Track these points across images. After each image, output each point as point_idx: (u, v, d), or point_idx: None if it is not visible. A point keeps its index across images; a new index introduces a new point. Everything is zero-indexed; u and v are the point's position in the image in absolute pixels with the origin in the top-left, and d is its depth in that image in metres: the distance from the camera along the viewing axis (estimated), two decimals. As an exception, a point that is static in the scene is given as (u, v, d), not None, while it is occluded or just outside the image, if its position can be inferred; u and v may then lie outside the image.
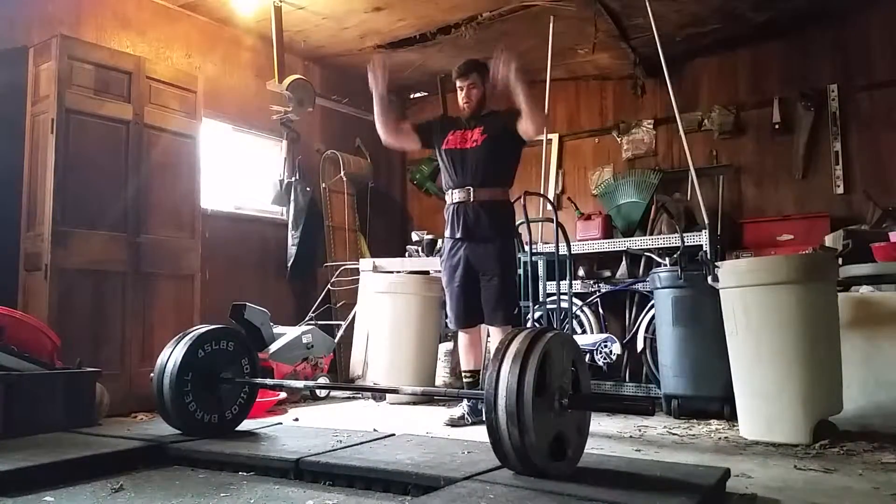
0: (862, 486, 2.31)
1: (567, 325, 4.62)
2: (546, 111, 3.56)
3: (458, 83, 3.55)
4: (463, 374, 3.69)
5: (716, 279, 3.35)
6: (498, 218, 3.49)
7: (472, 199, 3.46)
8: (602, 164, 6.11)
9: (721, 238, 5.06)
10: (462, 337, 3.68)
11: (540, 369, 1.99)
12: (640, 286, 4.88)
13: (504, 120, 3.48)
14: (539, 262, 4.41)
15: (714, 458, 2.77)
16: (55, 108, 3.79)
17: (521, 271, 4.38)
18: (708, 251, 4.25)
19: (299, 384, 3.60)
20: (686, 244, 4.28)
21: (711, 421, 3.68)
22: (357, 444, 2.56)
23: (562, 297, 4.33)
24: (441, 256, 3.64)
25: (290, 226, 5.63)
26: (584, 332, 5.00)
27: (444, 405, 4.16)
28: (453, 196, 3.53)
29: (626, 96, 6.02)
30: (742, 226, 5.31)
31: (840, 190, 5.10)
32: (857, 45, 5.17)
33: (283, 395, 4.16)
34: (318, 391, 4.77)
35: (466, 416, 3.43)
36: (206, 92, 4.71)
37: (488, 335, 4.03)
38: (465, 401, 3.46)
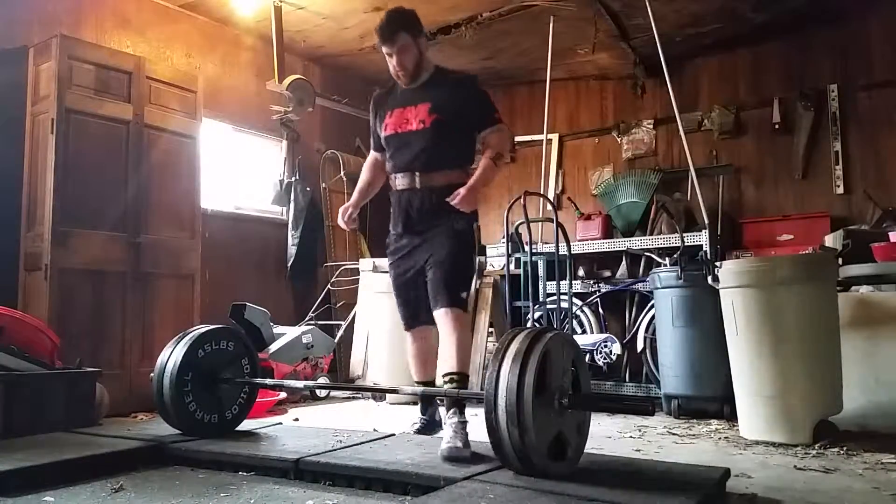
0: (862, 487, 2.31)
1: (567, 325, 4.62)
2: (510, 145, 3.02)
3: (384, 49, 2.79)
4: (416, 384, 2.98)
5: (716, 279, 3.35)
6: (450, 209, 2.70)
7: (418, 186, 2.75)
8: (602, 164, 6.11)
9: (721, 238, 5.06)
10: (411, 339, 2.93)
11: (540, 369, 1.99)
12: (640, 286, 4.88)
13: (458, 94, 2.78)
14: (539, 262, 4.41)
15: (714, 457, 2.76)
16: (55, 108, 3.79)
17: (520, 271, 4.40)
18: (708, 251, 4.26)
19: (299, 384, 3.60)
20: (686, 244, 4.28)
21: (711, 421, 3.68)
22: (357, 444, 2.55)
23: (562, 297, 4.33)
24: (388, 250, 2.95)
25: (290, 226, 5.63)
26: (584, 332, 5.00)
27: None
28: (396, 181, 2.84)
29: (627, 96, 6.02)
30: (742, 226, 5.32)
31: (840, 190, 5.10)
32: (857, 45, 5.17)
33: (283, 395, 4.16)
34: (318, 391, 4.77)
35: (420, 428, 2.88)
36: (207, 92, 4.71)
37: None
38: (420, 415, 2.94)
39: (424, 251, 2.76)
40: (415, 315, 2.87)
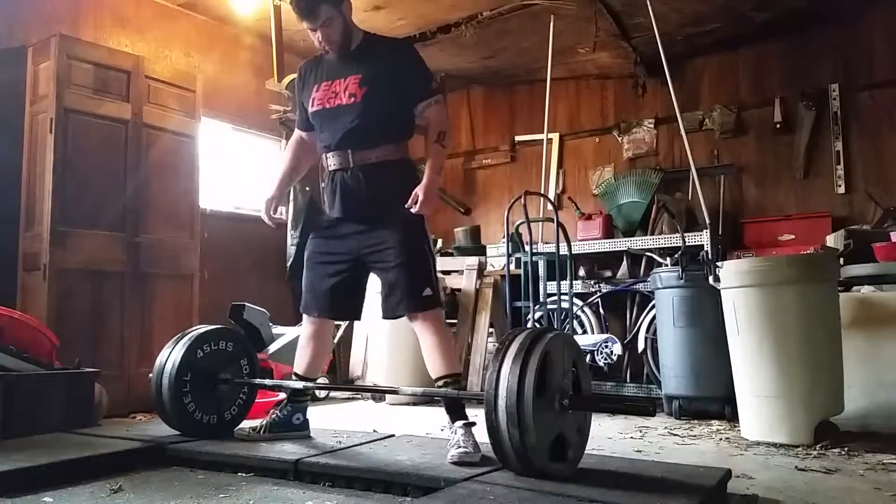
0: (863, 487, 2.31)
1: (568, 326, 4.61)
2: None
3: (305, 26, 2.56)
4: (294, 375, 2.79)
5: (717, 279, 3.34)
6: (392, 186, 2.53)
7: (351, 164, 2.56)
8: (603, 163, 6.10)
9: (722, 238, 5.05)
10: (308, 327, 2.74)
11: (540, 370, 1.98)
12: (640, 286, 4.86)
13: (391, 62, 2.56)
14: (539, 262, 4.40)
15: (715, 458, 2.75)
16: (54, 108, 3.78)
17: (521, 271, 4.39)
18: (709, 251, 4.24)
19: (298, 385, 3.58)
20: (687, 244, 4.28)
21: (713, 421, 3.67)
22: (357, 445, 2.55)
23: (562, 297, 4.32)
24: (314, 228, 2.76)
25: (289, 226, 5.62)
26: (584, 332, 4.99)
27: (444, 406, 4.15)
28: (328, 161, 2.64)
29: (627, 95, 6.01)
30: (743, 225, 5.31)
31: (841, 190, 5.09)
32: (859, 44, 5.16)
33: (282, 395, 4.14)
34: (317, 392, 4.75)
35: (265, 428, 2.71)
36: (205, 91, 4.69)
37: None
38: (276, 409, 2.79)
39: (367, 242, 2.55)
40: (323, 304, 2.66)
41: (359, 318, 2.97)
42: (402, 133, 2.62)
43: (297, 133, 2.84)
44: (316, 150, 2.77)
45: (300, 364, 2.77)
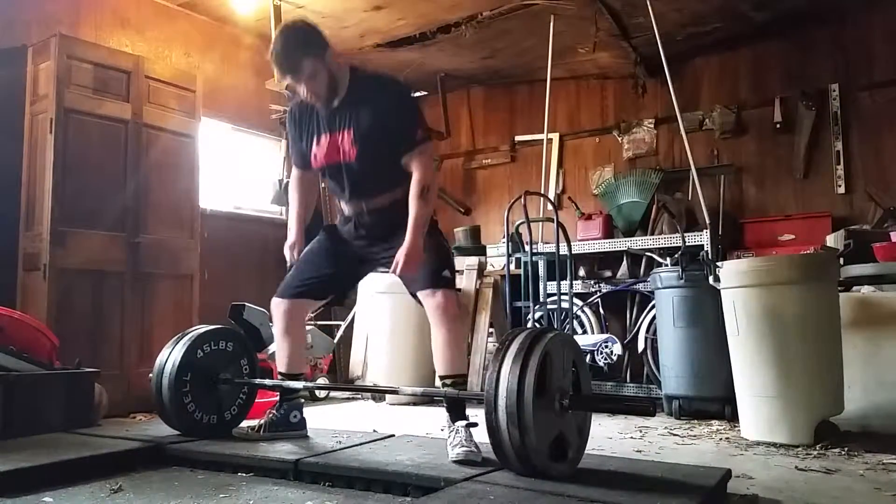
0: (863, 487, 2.31)
1: (568, 326, 4.61)
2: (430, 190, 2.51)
3: (287, 81, 2.53)
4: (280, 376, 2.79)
5: (717, 279, 3.34)
6: (404, 218, 2.50)
7: (365, 210, 2.61)
8: (603, 163, 6.10)
9: (722, 238, 5.05)
10: (278, 322, 2.72)
11: (540, 370, 1.98)
12: (640, 286, 4.86)
13: (379, 111, 2.49)
14: (539, 262, 4.40)
15: (715, 458, 2.75)
16: (54, 108, 3.78)
17: (521, 271, 4.39)
18: (709, 251, 4.24)
19: (298, 385, 3.58)
20: (687, 244, 4.28)
21: (713, 421, 3.67)
22: (356, 445, 2.54)
23: (562, 297, 4.32)
24: (327, 229, 2.80)
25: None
26: (584, 332, 4.99)
27: (444, 406, 4.15)
28: (341, 205, 2.72)
29: (627, 95, 6.01)
30: (743, 226, 5.30)
31: (841, 190, 5.09)
32: (859, 44, 5.16)
33: (282, 395, 4.15)
34: (317, 392, 4.75)
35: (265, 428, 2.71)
36: (205, 91, 4.69)
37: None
38: (271, 411, 2.77)
39: (379, 247, 2.60)
40: (297, 285, 2.69)
41: (327, 300, 2.89)
42: (405, 176, 2.54)
43: (297, 172, 2.80)
44: (317, 183, 2.80)
45: (281, 362, 2.78)
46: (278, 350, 2.78)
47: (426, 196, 2.47)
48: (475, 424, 2.37)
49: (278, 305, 2.74)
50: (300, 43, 2.43)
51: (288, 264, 2.79)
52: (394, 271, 2.45)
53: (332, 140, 2.55)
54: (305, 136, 2.64)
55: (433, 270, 2.48)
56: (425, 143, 2.52)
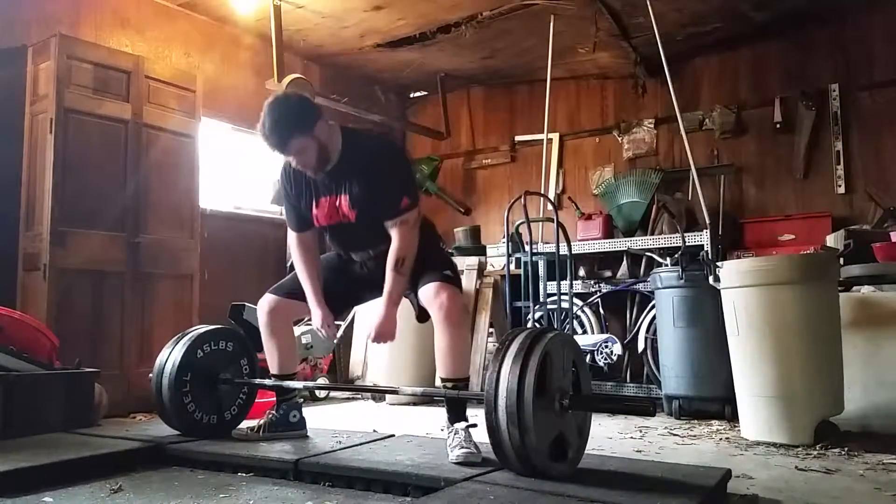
0: (863, 487, 2.31)
1: (568, 326, 4.61)
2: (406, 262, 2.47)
3: (280, 154, 2.49)
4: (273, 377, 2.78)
5: (717, 279, 3.34)
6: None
7: (371, 257, 2.60)
8: (603, 163, 6.10)
9: (722, 238, 5.05)
10: (265, 327, 2.71)
11: (540, 370, 1.98)
12: (640, 286, 4.86)
13: (370, 177, 2.47)
14: (539, 262, 4.40)
15: (715, 458, 2.75)
16: (54, 108, 3.78)
17: (521, 271, 4.39)
18: (709, 251, 4.25)
19: (298, 385, 3.58)
20: (687, 244, 4.28)
21: (713, 421, 3.67)
22: (356, 445, 2.54)
23: (562, 297, 4.32)
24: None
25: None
26: (584, 332, 4.99)
27: (444, 406, 4.15)
28: (349, 255, 2.70)
29: (627, 95, 6.01)
30: (743, 225, 5.30)
31: (841, 189, 5.09)
32: (859, 44, 5.16)
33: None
34: (317, 392, 4.75)
35: (265, 428, 2.71)
36: (205, 91, 4.69)
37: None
38: (270, 411, 2.78)
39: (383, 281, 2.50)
40: (289, 287, 2.69)
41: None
42: None
43: (297, 236, 2.68)
44: (316, 241, 2.71)
45: (272, 364, 2.76)
46: (268, 352, 2.75)
47: (401, 269, 2.44)
48: (474, 425, 2.37)
49: (265, 303, 2.72)
50: (289, 121, 2.38)
51: (327, 339, 2.75)
52: (373, 341, 2.48)
53: (331, 202, 2.53)
54: (304, 198, 2.59)
55: (436, 270, 2.48)
56: (409, 212, 2.45)
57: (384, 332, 2.46)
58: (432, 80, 6.46)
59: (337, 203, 2.52)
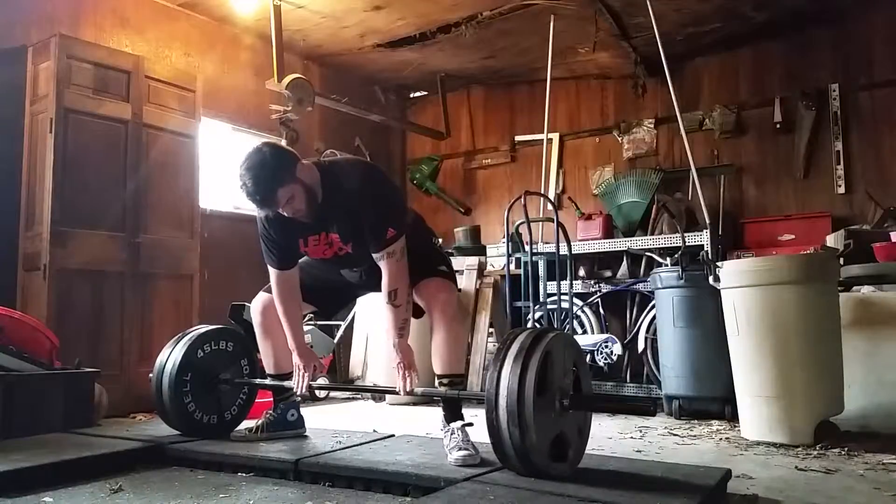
0: (863, 487, 2.31)
1: (568, 326, 4.61)
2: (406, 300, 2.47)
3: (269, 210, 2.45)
4: (269, 377, 2.79)
5: (717, 279, 3.34)
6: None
7: (370, 265, 2.54)
8: (603, 163, 6.10)
9: (722, 238, 5.06)
10: (259, 326, 2.72)
11: (541, 369, 1.98)
12: (641, 286, 4.86)
13: (354, 215, 2.43)
14: (539, 262, 4.40)
15: (715, 458, 2.75)
16: (54, 108, 3.78)
17: (521, 271, 4.39)
18: (709, 251, 4.24)
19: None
20: (687, 244, 4.27)
21: (713, 421, 3.67)
22: (356, 445, 2.54)
23: (562, 297, 4.32)
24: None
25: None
26: (584, 332, 4.99)
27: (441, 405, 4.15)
28: (348, 271, 2.71)
29: (627, 95, 6.01)
30: (743, 225, 5.31)
31: (841, 189, 5.10)
32: (858, 44, 5.16)
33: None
34: (317, 392, 4.75)
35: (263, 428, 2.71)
36: (205, 91, 4.69)
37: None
38: (268, 412, 2.77)
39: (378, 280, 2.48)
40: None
41: (313, 310, 2.86)
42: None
43: (277, 274, 2.57)
44: (297, 278, 2.62)
45: (268, 363, 2.77)
46: (263, 352, 2.75)
47: (395, 301, 2.42)
48: (471, 424, 2.38)
49: (259, 302, 2.71)
50: (269, 176, 2.34)
51: (301, 390, 2.64)
52: (404, 392, 2.41)
53: (321, 239, 2.51)
54: (287, 234, 2.53)
55: (431, 266, 2.51)
56: (395, 244, 2.40)
57: (408, 365, 2.43)
58: (432, 80, 6.47)
59: (328, 240, 2.50)
